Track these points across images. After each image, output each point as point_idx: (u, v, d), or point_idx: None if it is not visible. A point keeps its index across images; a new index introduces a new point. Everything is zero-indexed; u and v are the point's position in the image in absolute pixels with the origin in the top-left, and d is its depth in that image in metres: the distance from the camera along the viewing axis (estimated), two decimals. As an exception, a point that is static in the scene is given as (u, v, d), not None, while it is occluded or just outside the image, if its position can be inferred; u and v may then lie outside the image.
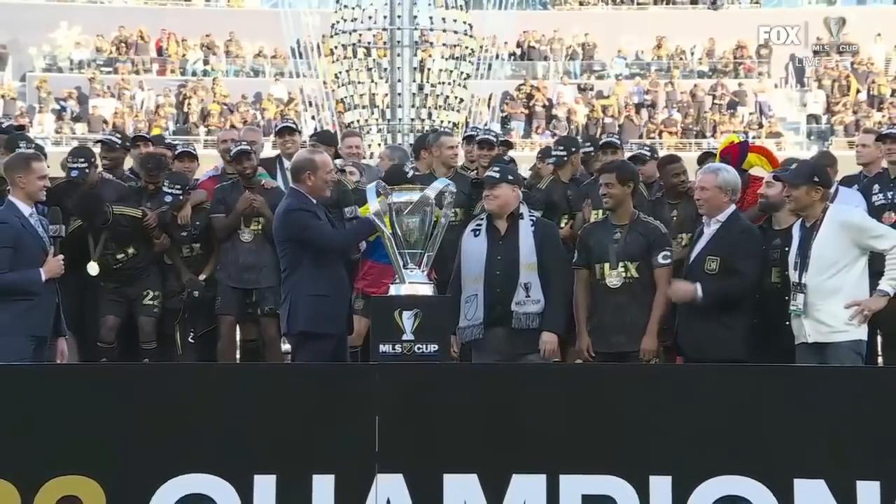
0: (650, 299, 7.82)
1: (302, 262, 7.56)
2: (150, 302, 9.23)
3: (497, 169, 8.02)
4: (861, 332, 7.25)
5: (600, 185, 8.06)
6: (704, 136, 32.51)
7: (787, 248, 7.49)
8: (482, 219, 7.97)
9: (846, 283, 7.20)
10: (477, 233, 7.89)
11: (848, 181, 9.45)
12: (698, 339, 7.57)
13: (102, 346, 9.15)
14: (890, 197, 8.73)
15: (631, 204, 8.06)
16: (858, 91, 34.33)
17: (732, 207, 7.70)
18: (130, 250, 9.22)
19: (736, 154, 8.83)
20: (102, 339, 9.18)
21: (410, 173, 9.35)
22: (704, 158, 9.70)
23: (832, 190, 8.79)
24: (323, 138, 10.60)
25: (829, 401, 5.76)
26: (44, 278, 7.26)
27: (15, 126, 9.62)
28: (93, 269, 8.98)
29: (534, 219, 7.92)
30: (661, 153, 10.23)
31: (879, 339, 8.96)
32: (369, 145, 21.15)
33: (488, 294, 7.70)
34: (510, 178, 7.86)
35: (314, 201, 7.66)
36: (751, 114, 34.21)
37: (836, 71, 34.99)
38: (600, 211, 8.58)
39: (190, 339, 9.42)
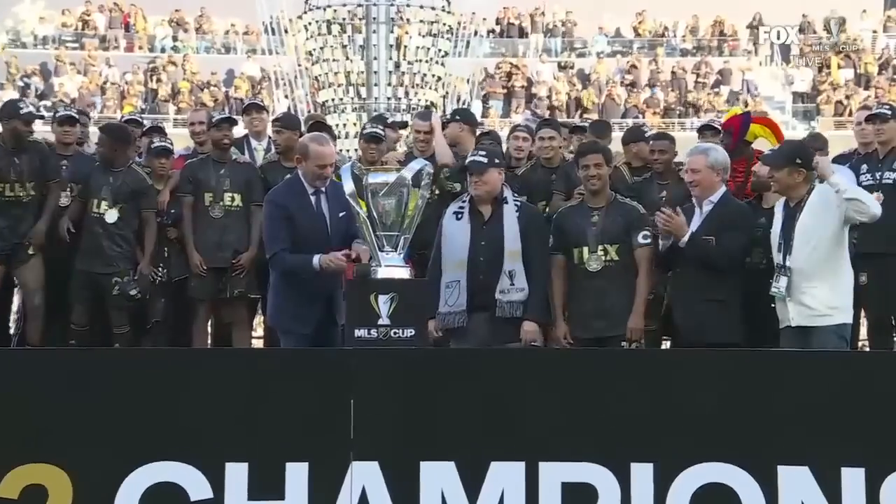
0: (630, 282, 7.81)
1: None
2: (119, 292, 9.14)
3: (484, 153, 7.82)
4: (846, 317, 7.29)
5: (584, 166, 7.96)
6: (688, 115, 32.51)
7: (770, 229, 7.52)
8: (464, 201, 7.84)
9: (829, 263, 7.24)
10: (459, 216, 7.75)
11: (842, 159, 9.44)
12: (698, 320, 7.53)
13: (75, 329, 9.17)
14: (878, 177, 8.75)
15: (608, 185, 8.07)
16: (840, 66, 34.37)
17: (724, 188, 7.71)
18: (115, 212, 9.14)
19: (738, 126, 8.80)
20: (75, 322, 9.18)
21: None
22: (703, 130, 9.66)
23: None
24: (287, 122, 9.86)
25: (813, 386, 5.76)
26: None
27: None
28: (111, 216, 9.11)
29: (518, 203, 7.82)
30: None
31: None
32: (344, 124, 21.10)
33: (471, 280, 7.60)
34: (497, 161, 7.79)
35: (309, 189, 7.43)
36: (736, 92, 34.21)
37: (822, 48, 35.02)
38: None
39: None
